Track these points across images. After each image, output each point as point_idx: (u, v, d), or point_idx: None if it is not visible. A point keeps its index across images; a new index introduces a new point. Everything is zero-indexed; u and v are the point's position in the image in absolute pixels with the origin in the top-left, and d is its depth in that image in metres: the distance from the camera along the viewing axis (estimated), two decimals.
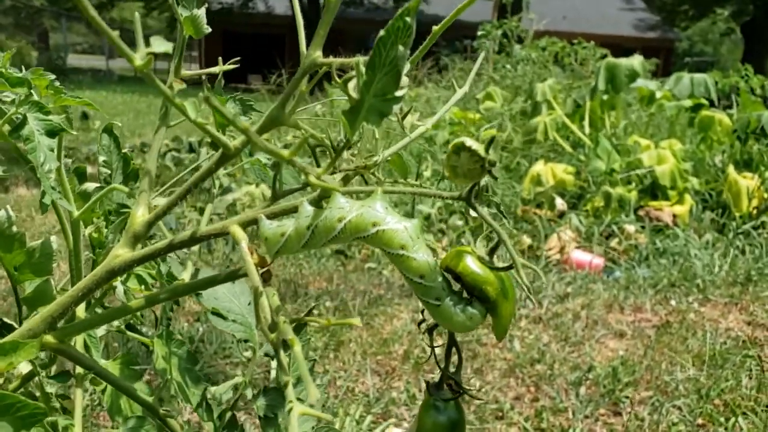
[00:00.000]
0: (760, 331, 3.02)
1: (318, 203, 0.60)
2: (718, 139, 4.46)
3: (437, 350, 0.72)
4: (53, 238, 0.83)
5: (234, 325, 0.91)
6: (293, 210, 0.69)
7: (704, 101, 4.89)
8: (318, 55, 0.64)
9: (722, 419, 2.32)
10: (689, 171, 4.28)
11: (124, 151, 0.97)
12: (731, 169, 4.17)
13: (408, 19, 0.53)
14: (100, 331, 1.02)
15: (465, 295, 0.65)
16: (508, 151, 5.00)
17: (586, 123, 5.02)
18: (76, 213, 0.78)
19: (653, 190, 4.18)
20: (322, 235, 0.60)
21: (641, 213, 4.08)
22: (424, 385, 2.55)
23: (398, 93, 0.58)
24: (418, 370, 2.65)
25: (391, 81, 0.56)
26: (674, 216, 4.02)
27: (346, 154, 0.81)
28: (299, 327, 1.01)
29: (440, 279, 0.60)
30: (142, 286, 1.08)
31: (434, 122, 0.86)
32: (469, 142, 0.59)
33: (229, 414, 0.90)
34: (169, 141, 6.24)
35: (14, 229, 0.78)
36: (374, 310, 3.17)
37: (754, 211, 4.05)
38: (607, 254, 3.80)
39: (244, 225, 0.66)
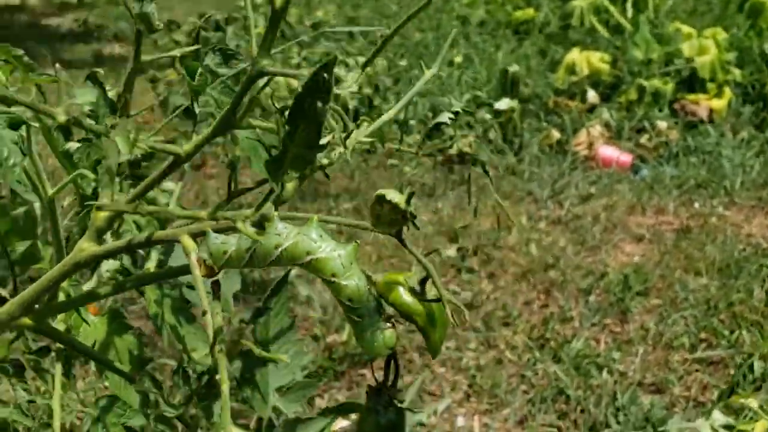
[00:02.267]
0: None
1: (261, 225, 0.62)
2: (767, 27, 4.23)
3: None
4: (37, 204, 0.87)
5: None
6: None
7: None
8: (266, 63, 0.65)
9: (726, 332, 2.36)
10: (732, 62, 4.09)
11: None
12: None
13: (326, 75, 0.54)
14: (91, 282, 1.08)
15: (395, 318, 0.69)
16: (544, 35, 4.82)
17: (629, 4, 4.78)
18: (49, 192, 0.81)
19: (692, 82, 4.03)
20: (261, 259, 0.63)
21: (677, 107, 3.95)
22: None
23: (322, 141, 0.60)
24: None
25: (313, 132, 0.57)
26: (711, 110, 3.89)
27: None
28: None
29: (371, 302, 0.64)
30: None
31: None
32: (390, 195, 0.60)
33: (206, 377, 0.97)
34: (197, 19, 6.15)
35: None
36: None
37: None
38: (636, 150, 3.74)
39: (195, 235, 0.68)
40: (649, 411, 2.02)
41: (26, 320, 0.76)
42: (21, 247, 0.98)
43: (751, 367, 2.13)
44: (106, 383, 0.98)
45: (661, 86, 3.96)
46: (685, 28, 4.18)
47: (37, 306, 0.78)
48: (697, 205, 3.24)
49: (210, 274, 0.65)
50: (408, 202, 0.63)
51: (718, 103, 3.91)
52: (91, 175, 0.91)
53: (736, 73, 4.04)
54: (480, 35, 5.11)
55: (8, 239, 0.97)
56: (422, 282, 0.69)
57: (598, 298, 2.58)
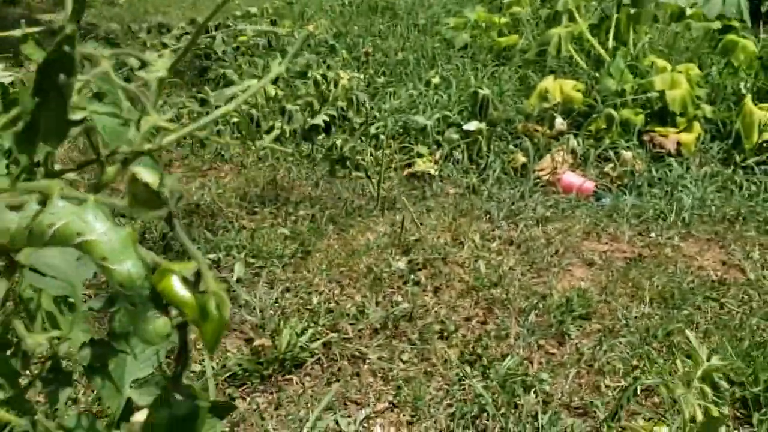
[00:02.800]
0: (732, 272, 2.99)
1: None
2: (740, 66, 4.26)
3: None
4: None
5: (53, 281, 0.95)
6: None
7: (735, 23, 4.63)
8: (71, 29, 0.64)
9: (660, 360, 2.35)
10: (703, 98, 4.12)
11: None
12: (748, 99, 4.00)
13: (67, 48, 0.53)
14: None
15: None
16: (522, 62, 4.85)
17: (611, 36, 4.81)
18: None
19: (662, 115, 4.05)
20: (38, 238, 0.62)
21: (645, 138, 3.97)
22: (371, 295, 2.62)
23: (75, 117, 0.59)
24: (376, 285, 2.72)
25: (62, 104, 0.56)
26: (678, 144, 3.91)
27: None
28: None
29: (143, 290, 0.62)
30: None
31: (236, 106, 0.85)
32: (143, 174, 0.59)
33: (51, 362, 0.96)
34: (185, 24, 6.19)
35: None
36: (350, 220, 3.22)
37: (764, 145, 3.91)
38: (601, 178, 3.75)
39: None
40: None
41: None
42: None
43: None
44: None
45: (632, 117, 3.98)
46: (660, 62, 4.21)
47: None
48: (653, 234, 3.24)
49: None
50: (161, 182, 0.62)
51: (687, 137, 3.93)
52: None
53: (707, 109, 4.06)
54: (462, 58, 5.15)
55: None
56: (198, 273, 0.68)
57: (538, 319, 2.57)
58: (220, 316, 0.69)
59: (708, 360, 1.24)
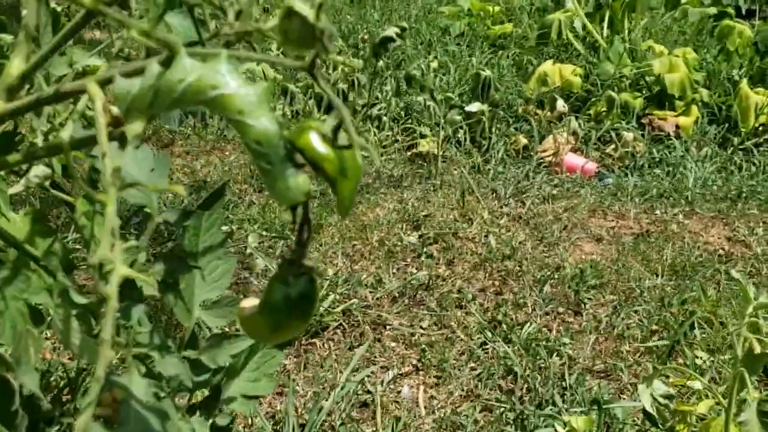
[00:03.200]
0: (738, 247, 3.03)
1: (168, 63, 0.60)
2: (736, 51, 4.32)
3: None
4: None
5: (131, 190, 0.93)
6: None
7: (731, 10, 4.70)
8: None
9: (676, 326, 2.37)
10: (700, 82, 4.17)
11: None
12: (744, 83, 4.06)
13: None
14: (18, 187, 1.05)
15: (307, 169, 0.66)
16: (520, 48, 4.88)
17: (605, 24, 4.85)
18: None
19: (661, 98, 4.09)
20: (165, 97, 0.60)
21: (644, 121, 4.01)
22: (386, 266, 2.62)
23: None
24: (390, 257, 2.71)
25: None
26: (677, 127, 3.95)
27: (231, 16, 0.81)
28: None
29: (279, 148, 0.61)
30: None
31: None
32: (298, 6, 0.58)
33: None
34: None
35: None
36: (359, 197, 3.21)
37: (760, 128, 3.96)
38: (602, 160, 3.78)
39: (104, 83, 0.66)
40: (596, 394, 2.02)
41: None
42: None
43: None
44: None
45: (630, 100, 4.02)
46: (657, 47, 4.26)
47: None
48: (658, 212, 3.27)
49: (115, 123, 0.63)
50: (317, 16, 0.61)
51: (685, 121, 3.97)
52: (8, 37, 0.89)
53: (704, 93, 4.11)
54: (458, 45, 5.16)
55: None
56: (335, 129, 0.67)
57: (553, 289, 2.58)
58: (357, 173, 0.68)
59: (756, 299, 1.25)
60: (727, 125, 4.03)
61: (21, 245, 0.91)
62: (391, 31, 3.57)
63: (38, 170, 1.10)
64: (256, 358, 1.18)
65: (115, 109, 0.65)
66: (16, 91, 0.72)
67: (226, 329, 1.83)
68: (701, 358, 2.16)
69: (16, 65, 0.72)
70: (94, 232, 1.10)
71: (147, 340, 1.03)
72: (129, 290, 1.02)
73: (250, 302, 0.78)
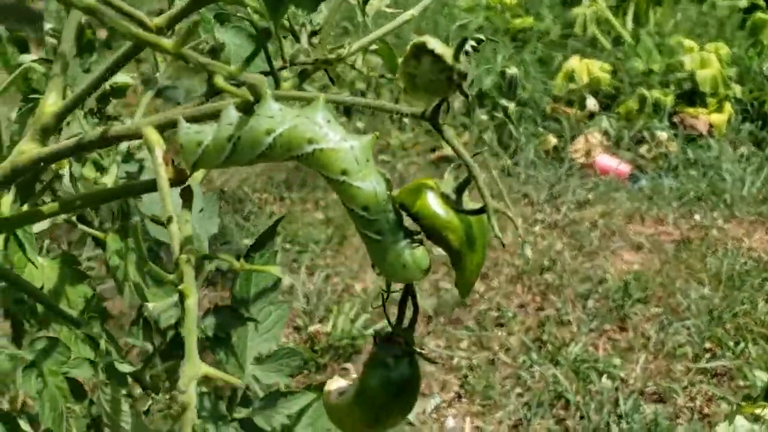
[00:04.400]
0: None
1: (248, 108, 0.47)
2: None
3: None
4: None
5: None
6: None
7: (761, 2, 4.54)
8: None
9: (731, 343, 2.24)
10: (733, 78, 4.02)
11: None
12: None
13: None
14: (44, 224, 0.93)
15: (420, 237, 0.53)
16: (543, 44, 4.73)
17: (629, 18, 4.70)
18: None
19: (692, 95, 3.94)
20: (247, 150, 0.48)
21: (676, 119, 3.86)
22: (417, 281, 2.49)
23: None
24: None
25: None
26: (710, 125, 3.80)
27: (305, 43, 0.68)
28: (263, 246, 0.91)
29: (390, 214, 0.48)
30: (98, 173, 0.98)
31: (420, 9, 0.71)
32: (433, 43, 0.45)
33: (172, 332, 0.82)
34: None
35: None
36: None
37: None
38: (634, 161, 3.64)
39: (162, 127, 0.53)
40: (652, 420, 1.89)
41: None
42: None
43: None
44: None
45: (661, 98, 3.87)
46: (688, 42, 4.10)
47: None
48: (697, 217, 3.13)
49: (179, 177, 0.50)
50: (457, 56, 0.48)
51: (718, 118, 3.82)
52: (41, 69, 0.77)
53: (737, 89, 3.96)
54: (471, 47, 5.01)
55: None
56: (459, 189, 0.54)
57: (596, 304, 2.45)
58: (485, 243, 0.56)
59: None
60: (761, 122, 3.88)
61: (56, 307, 0.79)
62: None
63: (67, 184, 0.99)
64: (309, 411, 1.06)
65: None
66: (52, 132, 0.60)
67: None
68: (762, 380, 2.02)
69: (52, 102, 0.60)
70: (128, 273, 0.99)
71: (197, 405, 0.91)
72: (175, 345, 0.90)
73: (337, 384, 0.65)
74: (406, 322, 0.60)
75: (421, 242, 0.52)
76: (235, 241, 2.57)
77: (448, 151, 3.65)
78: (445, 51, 0.45)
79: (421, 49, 0.46)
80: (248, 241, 2.69)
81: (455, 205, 0.53)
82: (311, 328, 2.13)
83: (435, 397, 1.97)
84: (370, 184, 0.48)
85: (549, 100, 3.99)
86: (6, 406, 1.62)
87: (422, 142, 3.75)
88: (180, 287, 0.44)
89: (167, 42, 0.44)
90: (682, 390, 2.04)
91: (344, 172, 0.47)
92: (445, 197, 0.53)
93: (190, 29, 0.45)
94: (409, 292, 0.61)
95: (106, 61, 0.59)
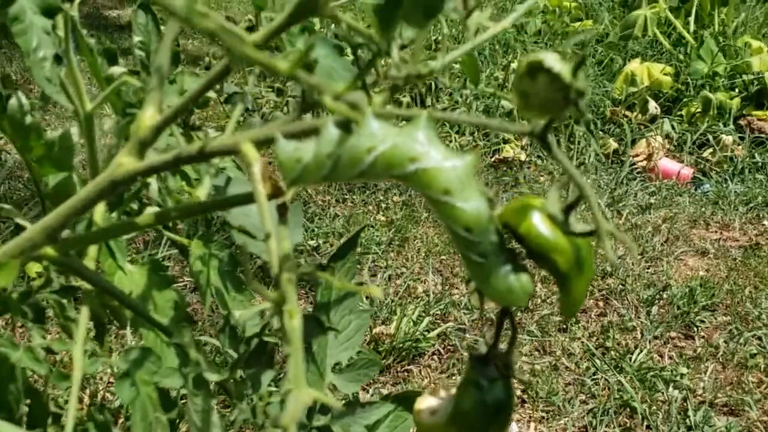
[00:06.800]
0: None
1: (347, 125, 0.47)
2: None
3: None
4: (74, 129, 0.74)
5: (263, 245, 0.82)
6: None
7: None
8: None
9: None
10: None
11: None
12: None
13: None
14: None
15: (523, 259, 0.52)
16: (602, 46, 4.66)
17: (691, 19, 4.60)
18: (87, 106, 0.69)
19: (759, 98, 3.83)
20: (347, 168, 0.48)
21: (742, 123, 3.75)
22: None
23: None
24: None
25: None
26: None
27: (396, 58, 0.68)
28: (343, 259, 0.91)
29: (493, 235, 0.47)
30: (184, 182, 1.00)
31: (512, 21, 0.71)
32: (550, 60, 0.44)
33: (256, 341, 0.82)
34: (252, 16, 6.09)
35: (28, 118, 0.70)
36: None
37: None
38: (698, 165, 3.55)
39: (260, 143, 0.54)
40: None
41: (49, 250, 0.62)
42: (54, 179, 0.84)
43: None
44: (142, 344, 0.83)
45: (726, 100, 3.77)
46: (755, 43, 3.99)
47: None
48: (766, 222, 3.04)
49: (276, 192, 0.50)
50: (575, 73, 0.48)
51: None
52: (137, 82, 0.78)
53: None
54: (536, 44, 4.97)
55: (41, 167, 0.83)
56: (567, 209, 0.53)
57: (661, 310, 2.40)
58: (592, 265, 0.55)
59: None
60: None
61: (129, 302, 0.80)
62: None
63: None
64: (387, 422, 1.06)
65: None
66: (149, 146, 0.61)
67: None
68: None
69: (150, 116, 0.60)
70: (210, 279, 1.00)
71: (278, 411, 0.92)
72: (258, 353, 0.90)
73: (428, 402, 0.64)
74: (502, 344, 0.59)
75: (524, 266, 0.51)
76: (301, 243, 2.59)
77: (507, 154, 3.62)
78: (563, 69, 0.44)
79: (536, 67, 0.45)
80: (313, 243, 2.71)
81: (564, 226, 0.52)
82: (375, 330, 2.13)
83: None
84: (473, 204, 0.47)
85: (609, 104, 3.93)
86: (86, 400, 1.67)
87: (481, 145, 3.72)
88: (285, 308, 0.44)
89: (283, 64, 0.44)
90: (755, 403, 1.98)
91: (447, 192, 0.46)
92: (552, 218, 0.52)
93: (302, 54, 0.45)
94: (506, 314, 0.59)
95: (203, 76, 0.59)
